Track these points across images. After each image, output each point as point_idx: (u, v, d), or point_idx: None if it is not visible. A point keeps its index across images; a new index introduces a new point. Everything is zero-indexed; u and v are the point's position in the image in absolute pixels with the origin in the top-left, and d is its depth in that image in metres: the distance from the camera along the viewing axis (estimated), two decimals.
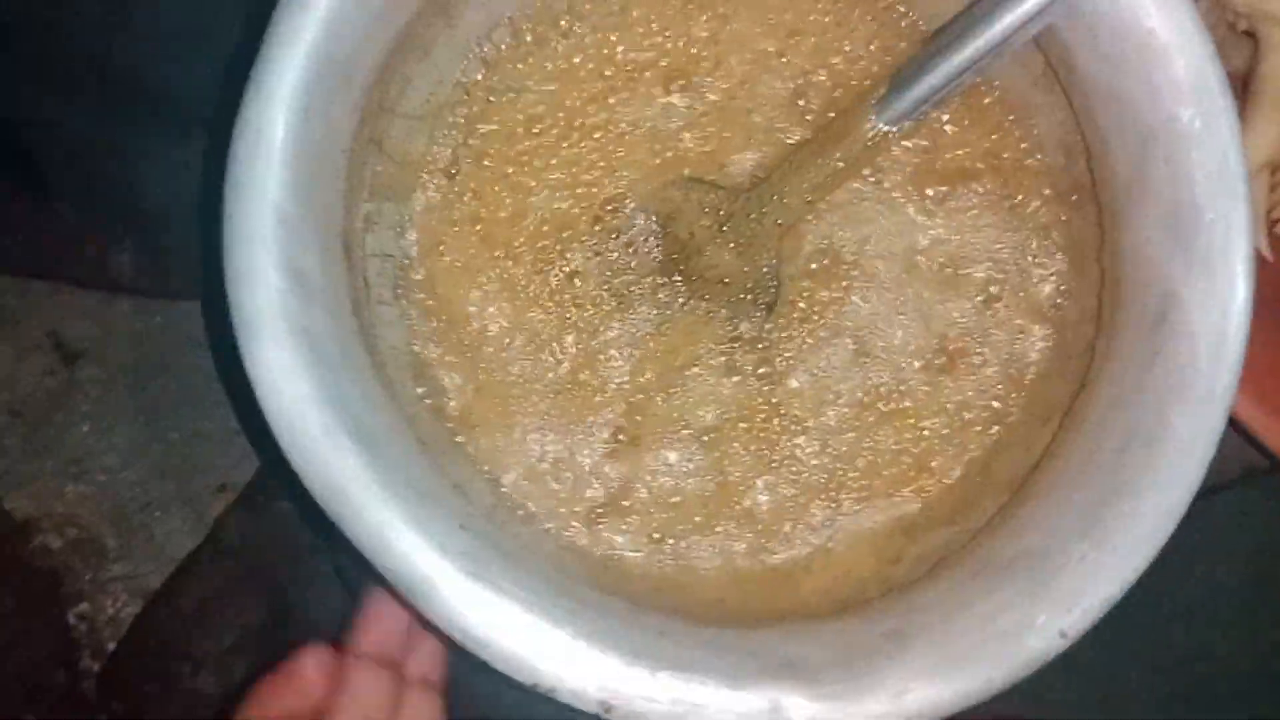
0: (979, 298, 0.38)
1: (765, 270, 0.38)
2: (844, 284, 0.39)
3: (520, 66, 0.39)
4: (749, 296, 0.38)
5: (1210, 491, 0.45)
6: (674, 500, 0.38)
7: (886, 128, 0.35)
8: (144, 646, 0.43)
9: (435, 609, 0.31)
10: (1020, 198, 0.38)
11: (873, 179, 0.38)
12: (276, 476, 0.43)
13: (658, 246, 0.38)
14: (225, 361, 0.42)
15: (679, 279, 0.38)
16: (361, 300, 0.35)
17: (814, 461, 0.38)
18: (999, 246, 0.38)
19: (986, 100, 0.38)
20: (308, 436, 0.31)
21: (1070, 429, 0.35)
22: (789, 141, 0.38)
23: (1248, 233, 0.32)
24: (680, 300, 0.38)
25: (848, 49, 0.38)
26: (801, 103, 0.38)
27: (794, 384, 0.38)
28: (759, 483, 0.38)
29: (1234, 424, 0.40)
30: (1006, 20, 0.32)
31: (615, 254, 0.38)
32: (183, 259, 0.44)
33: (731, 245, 0.38)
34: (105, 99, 0.43)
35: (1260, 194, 0.42)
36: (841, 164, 0.36)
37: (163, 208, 0.43)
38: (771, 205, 0.37)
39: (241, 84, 0.32)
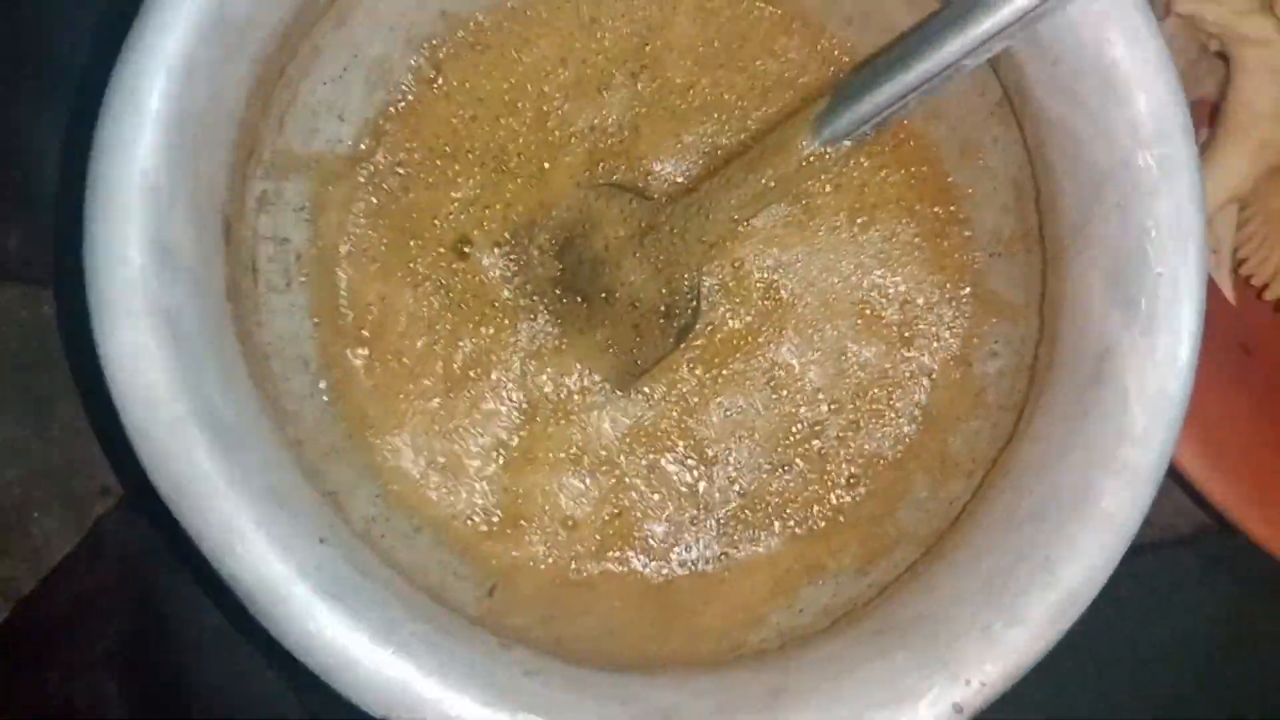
0: (897, 340, 0.36)
1: (683, 292, 0.35)
2: (760, 313, 0.36)
3: (445, 49, 0.36)
4: (661, 319, 0.35)
5: (1155, 547, 0.44)
6: (568, 521, 0.36)
7: (823, 148, 0.32)
8: (13, 651, 0.41)
9: (278, 624, 0.28)
10: (956, 236, 0.36)
11: (802, 201, 0.36)
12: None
13: (571, 255, 0.36)
14: (80, 348, 0.39)
15: (590, 291, 0.36)
16: (244, 285, 0.33)
17: (717, 495, 0.36)
18: (925, 286, 0.36)
19: (932, 126, 0.36)
20: (157, 426, 0.28)
21: (991, 487, 0.32)
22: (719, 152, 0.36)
23: (1197, 293, 0.29)
24: (587, 315, 0.36)
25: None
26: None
27: (701, 415, 0.36)
28: (657, 511, 0.36)
29: (1179, 478, 0.37)
30: (959, 41, 0.30)
31: (525, 257, 0.36)
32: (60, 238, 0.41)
33: (650, 261, 0.35)
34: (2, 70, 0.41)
35: (1226, 230, 0.40)
36: (773, 184, 0.33)
37: (54, 189, 0.41)
38: (696, 221, 0.34)
39: None
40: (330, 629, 0.28)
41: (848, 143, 0.32)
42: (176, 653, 0.41)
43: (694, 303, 0.35)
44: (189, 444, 0.28)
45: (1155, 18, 0.30)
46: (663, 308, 0.35)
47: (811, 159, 0.33)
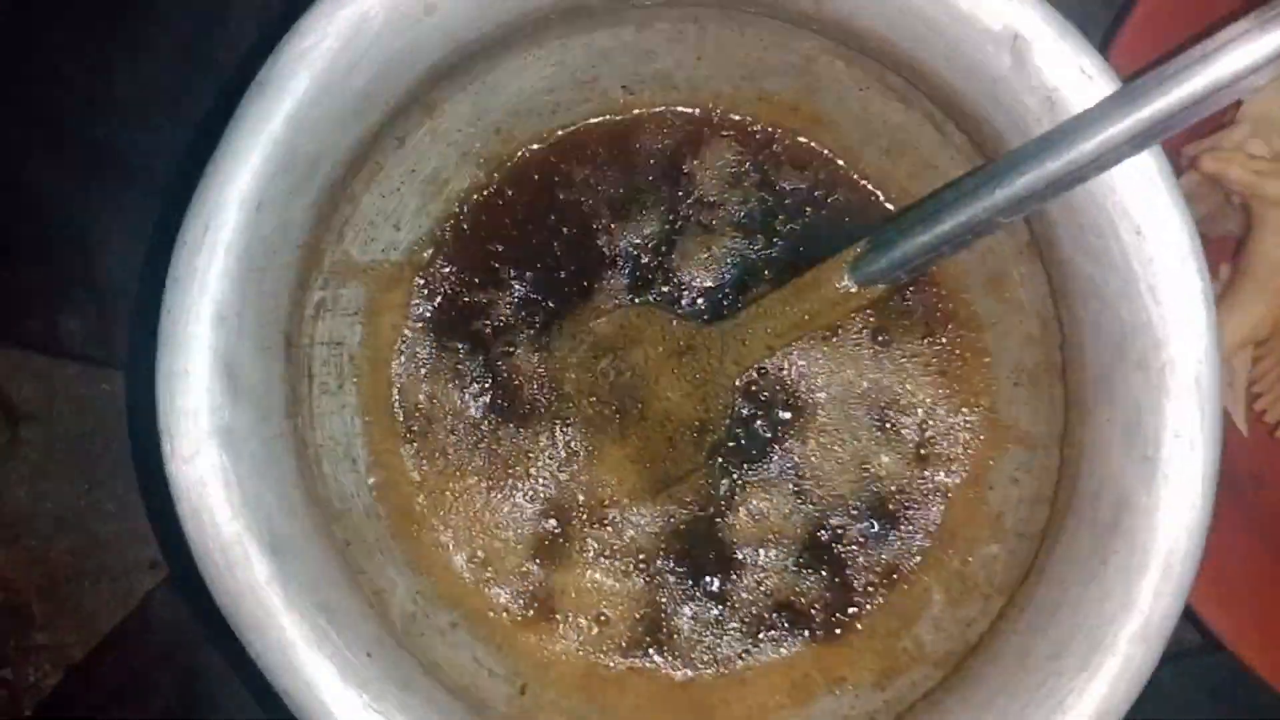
0: (913, 455, 0.38)
1: (718, 410, 0.37)
2: (785, 422, 0.38)
3: (502, 167, 0.38)
4: (695, 434, 0.37)
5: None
6: (600, 617, 0.37)
7: (857, 288, 0.34)
8: (60, 718, 0.43)
9: None
10: (975, 363, 0.37)
11: None
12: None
13: (609, 366, 0.37)
14: (145, 444, 0.41)
15: (626, 404, 0.37)
16: (301, 392, 0.34)
17: (743, 595, 0.37)
18: (943, 407, 0.38)
19: (960, 254, 0.37)
20: (219, 544, 0.30)
21: (1010, 618, 0.34)
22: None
23: (1213, 455, 0.31)
24: (621, 426, 0.37)
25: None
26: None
27: (729, 518, 0.38)
28: (685, 609, 0.37)
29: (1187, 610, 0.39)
30: (993, 199, 0.31)
31: (565, 366, 0.38)
32: (131, 332, 0.43)
33: (686, 379, 0.37)
34: (78, 165, 0.43)
35: (1241, 369, 0.41)
36: (808, 316, 0.35)
37: (118, 278, 0.43)
38: (733, 346, 0.36)
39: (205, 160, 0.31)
40: None
41: (882, 285, 0.34)
42: None
43: (727, 420, 0.37)
44: (248, 559, 0.30)
45: (1175, 170, 0.31)
46: (697, 423, 0.37)
47: (847, 297, 0.34)
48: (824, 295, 0.34)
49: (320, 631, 0.30)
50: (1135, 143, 0.29)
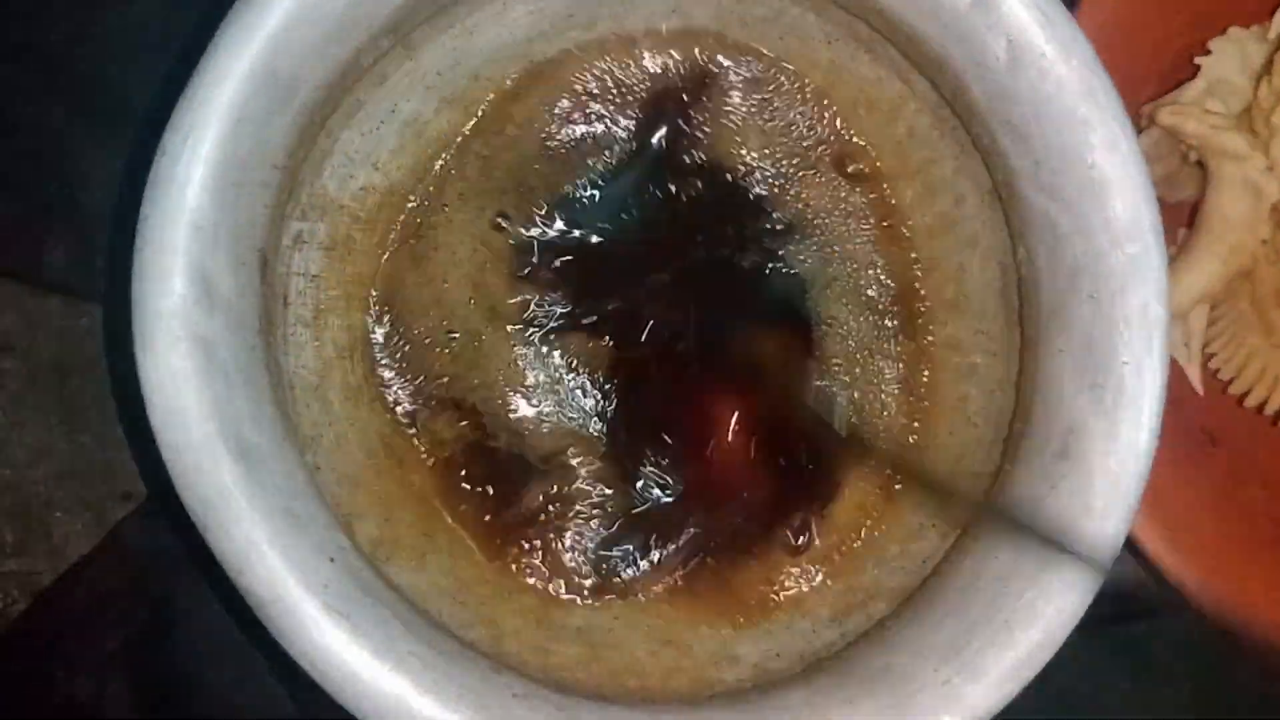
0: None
1: None
2: None
3: (478, 107, 0.39)
4: None
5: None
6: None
7: None
8: (25, 645, 0.43)
9: (287, 636, 0.30)
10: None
11: None
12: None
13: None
14: (123, 370, 0.42)
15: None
16: (276, 319, 0.35)
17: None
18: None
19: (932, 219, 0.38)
20: (188, 445, 0.30)
21: (961, 550, 0.34)
22: None
23: (1159, 382, 0.32)
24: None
25: None
26: None
27: None
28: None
29: (1141, 556, 0.39)
30: None
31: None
32: (111, 261, 0.43)
33: None
34: (63, 99, 0.44)
35: (1198, 326, 0.42)
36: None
37: (101, 210, 0.43)
38: None
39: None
40: (334, 643, 0.30)
41: None
42: (182, 656, 0.43)
43: None
44: (216, 462, 0.30)
45: (1135, 128, 0.32)
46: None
47: None
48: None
49: (283, 534, 0.30)
50: None
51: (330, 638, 0.30)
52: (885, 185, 0.39)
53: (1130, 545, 0.31)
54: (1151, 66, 0.40)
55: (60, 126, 0.44)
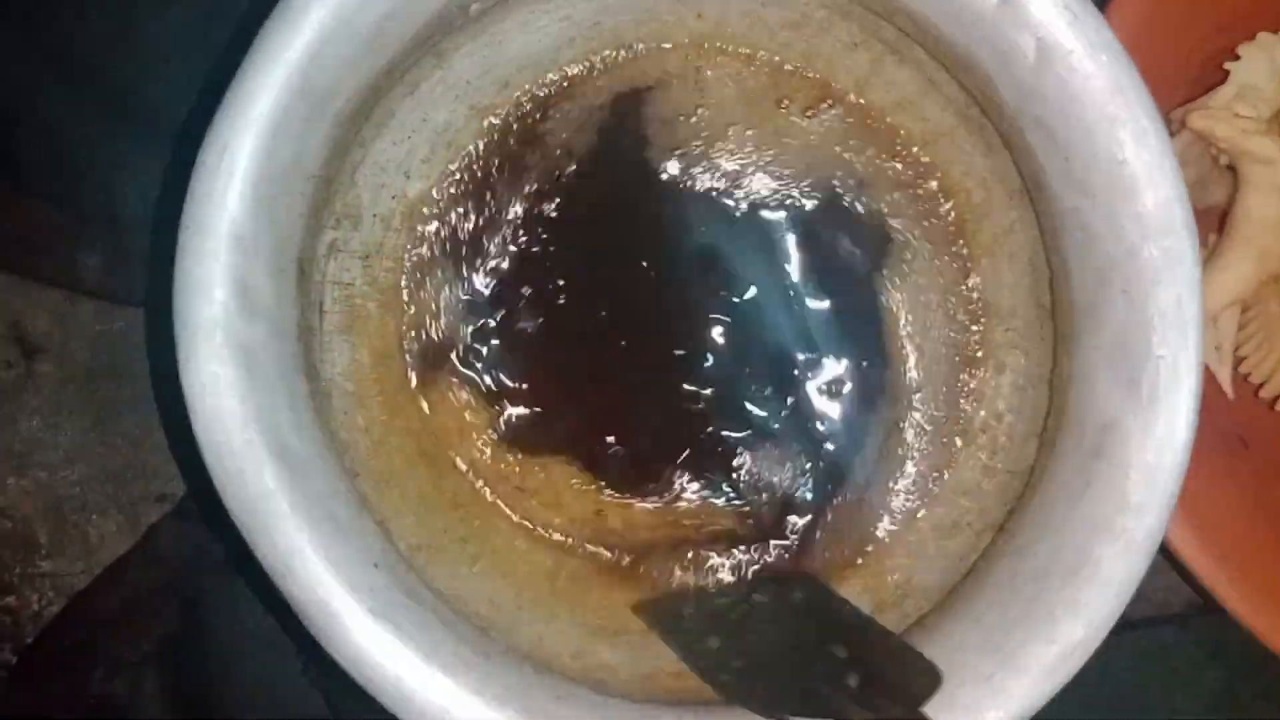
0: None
1: None
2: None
3: (507, 117, 0.39)
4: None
5: (1150, 623, 0.45)
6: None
7: None
8: (60, 645, 0.43)
9: (332, 641, 0.31)
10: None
11: None
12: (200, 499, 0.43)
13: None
14: (164, 373, 0.42)
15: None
16: (313, 326, 0.35)
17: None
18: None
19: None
20: (230, 451, 0.31)
21: (999, 547, 0.34)
22: None
23: (1195, 375, 0.32)
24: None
25: None
26: None
27: None
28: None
29: (1173, 559, 0.39)
30: None
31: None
32: (149, 267, 0.44)
33: None
34: (101, 106, 0.44)
35: (1228, 329, 0.42)
36: None
37: (137, 216, 0.44)
38: None
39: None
40: (380, 647, 0.30)
41: None
42: (215, 656, 0.43)
43: None
44: (259, 468, 0.31)
45: (1166, 126, 0.32)
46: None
47: None
48: None
49: (327, 539, 0.31)
50: None
51: (376, 642, 0.30)
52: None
53: (1161, 548, 0.31)
54: (1179, 72, 0.40)
55: (96, 134, 0.44)
